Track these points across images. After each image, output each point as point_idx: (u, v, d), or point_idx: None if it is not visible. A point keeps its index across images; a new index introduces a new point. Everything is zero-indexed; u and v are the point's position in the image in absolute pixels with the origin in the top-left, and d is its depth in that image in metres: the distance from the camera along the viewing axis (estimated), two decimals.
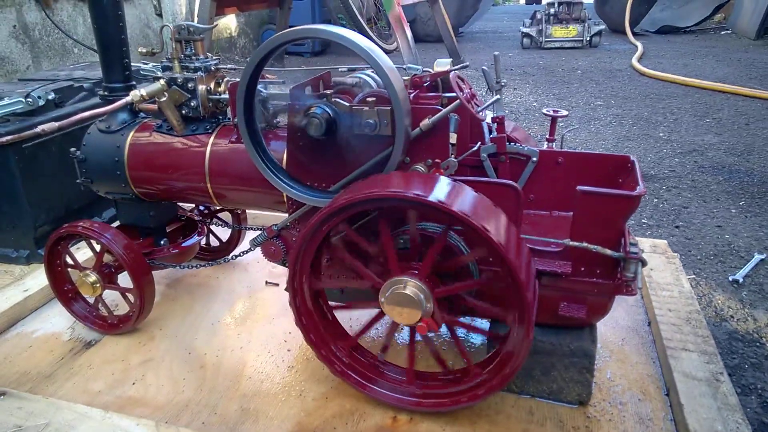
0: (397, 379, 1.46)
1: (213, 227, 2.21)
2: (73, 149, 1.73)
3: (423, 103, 1.40)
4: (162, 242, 1.89)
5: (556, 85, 5.81)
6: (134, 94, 1.52)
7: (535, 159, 1.57)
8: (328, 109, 1.33)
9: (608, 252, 1.26)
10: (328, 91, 1.38)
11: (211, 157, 1.61)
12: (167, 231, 1.94)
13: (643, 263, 1.27)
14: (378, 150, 1.35)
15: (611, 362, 1.60)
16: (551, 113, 1.61)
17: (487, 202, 1.22)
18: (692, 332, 1.62)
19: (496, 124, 1.56)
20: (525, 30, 9.06)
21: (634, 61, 6.91)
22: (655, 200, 2.97)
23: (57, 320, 1.84)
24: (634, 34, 9.18)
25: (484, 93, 4.76)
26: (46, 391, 1.53)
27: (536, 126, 4.35)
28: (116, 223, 1.87)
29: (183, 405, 1.48)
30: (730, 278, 2.30)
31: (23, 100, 2.15)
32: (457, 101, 1.28)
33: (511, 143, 1.60)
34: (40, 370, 1.62)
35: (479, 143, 1.48)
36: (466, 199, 1.18)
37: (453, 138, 1.47)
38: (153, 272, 1.72)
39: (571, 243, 1.29)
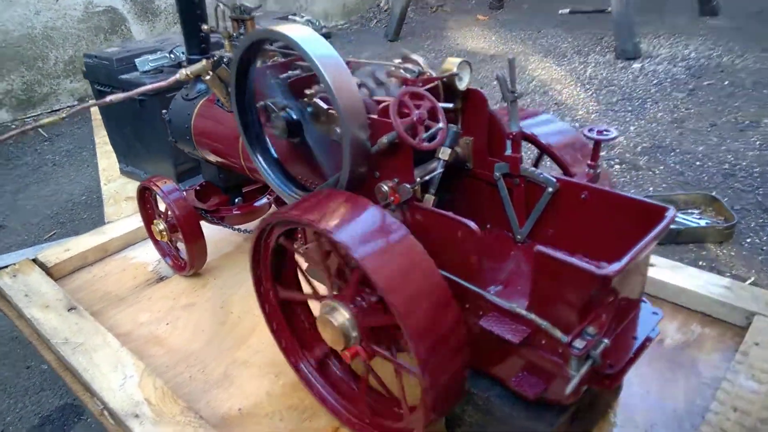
0: (351, 395, 1.42)
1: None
2: (164, 110, 1.99)
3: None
4: (236, 201, 2.09)
5: None
6: (181, 73, 1.66)
7: (551, 189, 1.28)
8: (293, 113, 1.28)
9: (557, 334, 1.00)
10: (310, 91, 1.31)
11: None
12: (244, 191, 2.13)
13: (594, 362, 0.97)
14: None
15: None
16: (594, 135, 1.26)
17: (380, 229, 1.07)
18: None
19: (511, 140, 1.30)
20: None
21: None
22: None
23: (153, 252, 2.19)
24: None
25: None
26: (109, 313, 1.88)
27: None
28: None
29: (186, 355, 1.68)
30: None
31: (167, 55, 2.50)
32: (393, 132, 1.10)
33: (532, 168, 1.32)
34: (118, 293, 1.99)
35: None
36: (349, 224, 1.07)
37: (446, 154, 1.29)
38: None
39: (517, 309, 1.05)
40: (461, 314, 1.10)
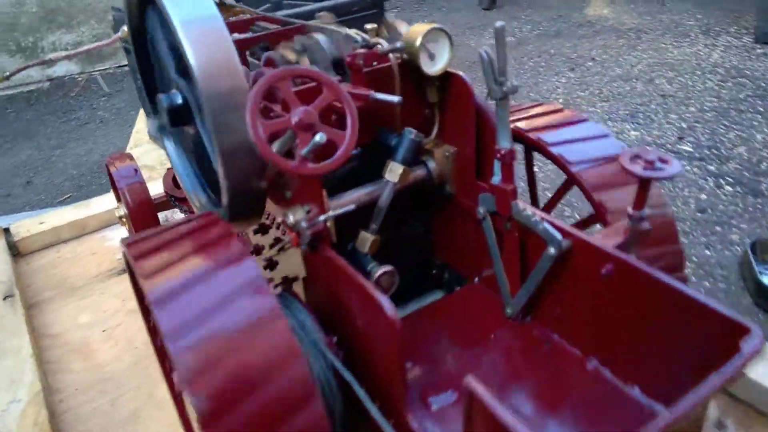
0: None
1: None
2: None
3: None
4: None
5: None
6: (122, 30, 1.35)
7: (553, 251, 0.78)
8: (182, 95, 0.88)
9: None
10: None
11: None
12: None
13: None
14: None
15: None
16: (638, 170, 0.73)
17: (229, 304, 0.65)
18: None
19: (501, 162, 0.82)
20: None
21: None
22: None
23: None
24: None
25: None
26: (52, 305, 1.64)
27: None
28: None
29: (105, 378, 1.38)
30: None
31: None
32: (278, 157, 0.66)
33: (531, 210, 0.83)
34: (74, 281, 1.74)
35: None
36: (181, 284, 0.65)
37: (395, 174, 0.84)
38: None
39: None
40: None
